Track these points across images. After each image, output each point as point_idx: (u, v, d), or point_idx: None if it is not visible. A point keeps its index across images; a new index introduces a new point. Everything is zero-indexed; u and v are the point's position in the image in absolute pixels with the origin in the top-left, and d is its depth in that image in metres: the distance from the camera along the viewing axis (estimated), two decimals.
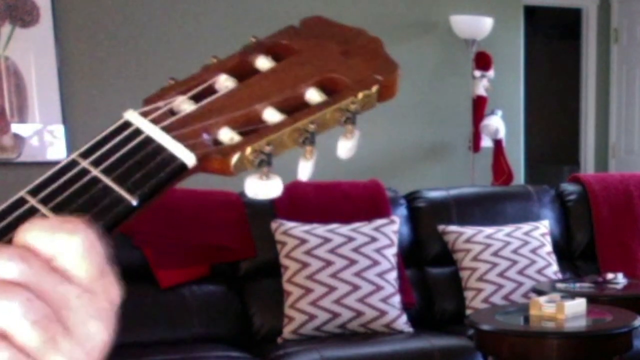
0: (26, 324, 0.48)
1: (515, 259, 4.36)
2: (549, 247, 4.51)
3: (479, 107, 6.15)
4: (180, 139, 0.57)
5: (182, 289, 3.98)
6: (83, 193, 0.54)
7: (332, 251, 4.06)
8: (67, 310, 0.50)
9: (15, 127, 5.03)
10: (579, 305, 3.62)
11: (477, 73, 6.08)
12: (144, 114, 0.58)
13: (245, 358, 3.82)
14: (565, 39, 8.82)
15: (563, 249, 4.74)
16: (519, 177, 6.54)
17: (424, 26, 6.12)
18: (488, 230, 4.44)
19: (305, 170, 0.61)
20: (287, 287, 4.03)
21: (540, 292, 3.98)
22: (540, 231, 4.52)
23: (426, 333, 4.10)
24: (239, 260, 4.17)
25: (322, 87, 0.61)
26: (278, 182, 0.59)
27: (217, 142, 0.58)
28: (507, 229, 4.47)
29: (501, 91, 6.31)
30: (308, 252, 4.04)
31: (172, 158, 0.56)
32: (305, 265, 4.02)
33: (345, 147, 0.61)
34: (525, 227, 4.51)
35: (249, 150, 0.58)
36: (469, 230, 4.43)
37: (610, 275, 4.29)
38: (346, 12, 5.61)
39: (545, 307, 3.58)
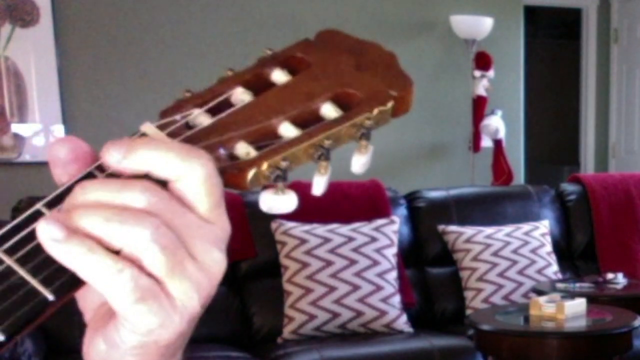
0: (156, 249, 0.50)
1: (515, 259, 4.36)
2: (549, 247, 4.51)
3: (479, 107, 6.15)
4: None
5: None
6: None
7: (332, 251, 4.06)
8: (192, 238, 0.52)
9: (15, 127, 5.03)
10: (579, 305, 3.62)
11: (477, 73, 6.08)
12: (161, 127, 0.58)
13: (245, 358, 3.82)
14: (565, 39, 8.82)
15: (563, 249, 4.74)
16: (519, 177, 6.53)
17: (424, 26, 6.12)
18: (488, 230, 4.44)
19: (319, 186, 0.61)
20: (287, 287, 4.03)
21: (540, 292, 3.98)
22: (540, 231, 4.52)
23: (426, 333, 4.10)
24: (239, 260, 4.17)
25: (337, 102, 0.61)
26: (293, 197, 0.59)
27: (233, 157, 0.58)
28: (507, 229, 4.47)
29: (501, 91, 6.31)
30: (308, 252, 4.04)
31: None
32: (305, 265, 4.02)
33: (359, 162, 0.61)
34: (525, 227, 4.51)
35: (265, 165, 0.58)
36: (469, 230, 4.43)
37: (610, 275, 4.29)
38: (346, 13, 5.61)
39: (545, 307, 3.58)
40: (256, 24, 5.46)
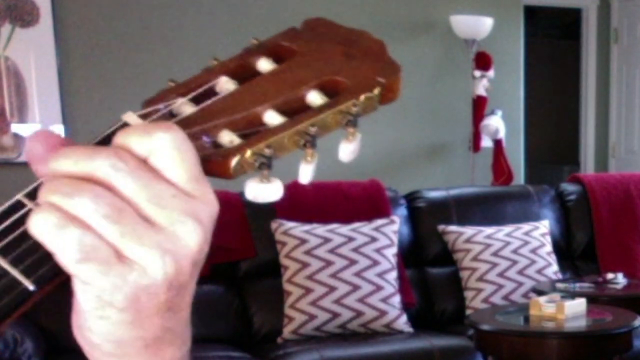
0: (98, 216, 0.51)
1: (515, 259, 4.36)
2: (549, 247, 4.51)
3: (479, 107, 6.15)
4: None
5: None
6: None
7: (332, 251, 4.06)
8: (157, 207, 0.52)
9: (15, 127, 5.03)
10: (579, 305, 3.62)
11: (477, 73, 6.08)
12: (143, 116, 0.57)
13: (245, 358, 3.82)
14: (565, 39, 8.82)
15: (563, 249, 4.74)
16: (519, 177, 6.53)
17: (424, 26, 6.12)
18: (488, 230, 4.44)
19: (306, 174, 0.60)
20: (287, 287, 4.03)
21: (540, 292, 3.98)
22: (540, 231, 4.52)
23: (426, 333, 4.10)
24: (239, 260, 4.17)
25: (324, 89, 0.60)
26: (278, 186, 0.58)
27: (217, 145, 0.58)
28: (507, 229, 4.47)
29: (501, 91, 6.30)
30: (308, 252, 4.04)
31: None
32: (305, 265, 4.02)
33: (347, 150, 0.61)
34: (525, 227, 4.51)
35: (249, 153, 0.57)
36: (469, 230, 4.43)
37: (610, 275, 4.29)
38: (346, 12, 5.61)
39: (545, 307, 3.58)
40: (256, 21, 5.46)
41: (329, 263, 4.04)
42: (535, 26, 8.61)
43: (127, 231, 0.51)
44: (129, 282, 0.52)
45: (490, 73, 6.10)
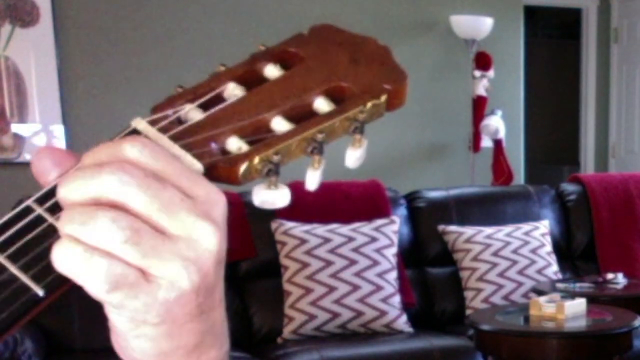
0: (118, 243, 0.50)
1: (515, 259, 4.36)
2: (549, 247, 4.51)
3: (479, 107, 6.15)
4: (187, 148, 0.57)
5: None
6: None
7: (332, 251, 4.06)
8: (170, 215, 0.52)
9: (15, 127, 5.03)
10: (579, 305, 3.62)
11: (477, 73, 6.08)
12: (152, 123, 0.58)
13: (245, 358, 3.82)
14: (565, 39, 8.82)
15: (563, 249, 4.74)
16: (519, 177, 6.53)
17: (424, 26, 6.12)
18: (488, 230, 4.44)
19: (313, 180, 0.60)
20: (287, 287, 4.03)
21: (540, 292, 3.98)
22: (540, 231, 4.52)
23: (426, 333, 4.10)
24: (239, 260, 4.17)
25: (331, 95, 0.61)
26: (286, 192, 0.59)
27: (224, 152, 0.58)
28: (507, 229, 4.47)
29: (501, 91, 6.30)
30: (308, 252, 4.04)
31: None
32: (305, 265, 4.02)
33: (353, 157, 0.61)
34: (525, 227, 4.51)
35: (257, 159, 0.57)
36: (469, 230, 4.43)
37: (610, 275, 4.29)
38: (346, 13, 5.61)
39: (545, 307, 3.58)
40: (256, 24, 5.46)
41: (329, 263, 4.04)
42: (535, 26, 8.62)
43: (147, 250, 0.51)
44: (159, 299, 0.52)
45: (490, 73, 6.10)
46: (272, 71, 0.62)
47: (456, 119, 6.24)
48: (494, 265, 4.33)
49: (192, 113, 0.59)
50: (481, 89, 6.10)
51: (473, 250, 4.36)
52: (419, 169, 6.17)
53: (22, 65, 5.00)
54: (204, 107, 0.60)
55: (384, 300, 4.07)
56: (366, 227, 4.18)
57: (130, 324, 0.53)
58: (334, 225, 4.15)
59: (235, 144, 0.58)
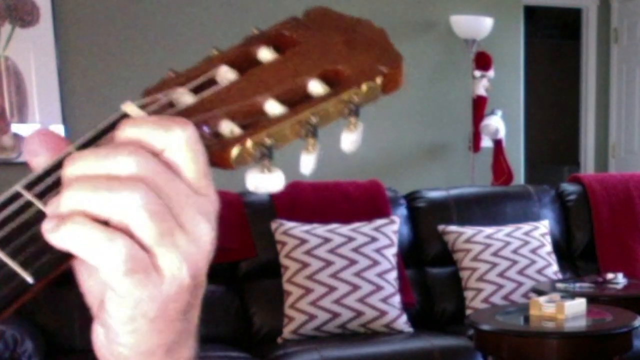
0: (145, 215, 0.49)
1: (515, 259, 4.36)
2: (549, 247, 4.51)
3: (479, 107, 6.15)
4: None
5: None
6: None
7: (332, 251, 4.06)
8: (181, 207, 0.51)
9: (15, 127, 5.03)
10: (579, 305, 3.61)
11: (477, 73, 6.08)
12: (143, 106, 0.57)
13: (245, 358, 3.82)
14: (565, 39, 8.82)
15: (563, 249, 4.74)
16: (519, 177, 6.53)
17: (424, 26, 6.12)
18: (488, 230, 4.44)
19: (307, 164, 0.60)
20: (287, 287, 4.03)
21: (540, 292, 3.98)
22: (540, 231, 4.52)
23: (426, 333, 4.10)
24: (239, 260, 4.17)
25: (325, 78, 0.60)
26: (280, 176, 0.58)
27: (217, 135, 0.57)
28: (507, 229, 4.47)
29: (501, 91, 6.30)
30: (308, 252, 4.04)
31: None
32: (305, 265, 4.02)
33: (348, 140, 0.60)
34: (525, 227, 4.51)
35: (249, 143, 0.57)
36: (469, 230, 4.43)
37: (610, 275, 4.29)
38: (346, 12, 5.61)
39: (545, 307, 3.58)
40: (257, 14, 5.44)
41: (329, 263, 4.04)
42: (535, 26, 8.61)
43: (164, 235, 0.50)
44: (163, 292, 0.51)
45: (490, 73, 6.10)
46: (266, 54, 0.61)
47: (456, 119, 6.24)
48: (494, 265, 4.32)
49: (184, 97, 0.58)
50: (481, 89, 6.10)
51: (473, 250, 4.36)
52: (419, 169, 6.17)
53: (22, 65, 5.00)
54: (196, 90, 0.59)
55: (384, 300, 4.06)
56: (366, 227, 4.18)
57: (129, 316, 0.52)
58: (334, 225, 4.15)
59: (227, 128, 0.57)
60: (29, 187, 0.53)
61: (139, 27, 5.34)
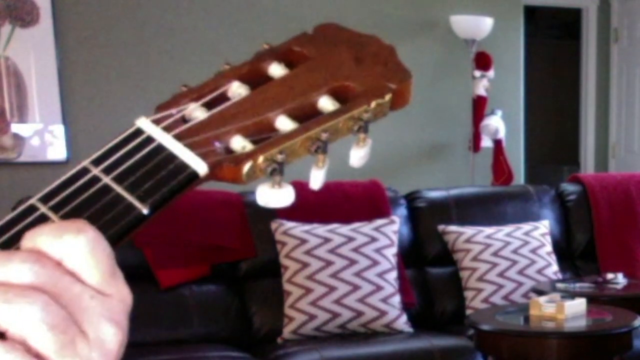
0: (44, 328, 0.47)
1: (515, 259, 4.36)
2: (549, 247, 4.51)
3: (479, 107, 6.15)
4: (192, 147, 0.57)
5: (182, 289, 3.98)
6: (94, 201, 0.54)
7: (332, 251, 4.06)
8: (82, 313, 0.49)
9: (15, 127, 5.03)
10: (579, 305, 3.62)
11: (477, 73, 6.08)
12: (156, 122, 0.58)
13: (245, 358, 3.82)
14: (565, 39, 8.82)
15: (563, 249, 4.74)
16: (519, 177, 6.53)
17: (424, 26, 6.12)
18: (488, 230, 4.44)
19: (317, 179, 0.60)
20: (287, 287, 4.03)
21: (540, 292, 3.98)
22: (540, 231, 4.52)
23: (426, 333, 4.10)
24: (239, 260, 4.17)
25: (335, 95, 0.61)
26: (290, 191, 0.58)
27: (229, 151, 0.58)
28: (507, 229, 4.47)
29: (501, 91, 6.30)
30: (308, 252, 4.04)
31: (184, 167, 0.56)
32: (305, 265, 4.02)
33: (357, 156, 0.61)
34: (525, 227, 4.51)
35: (261, 159, 0.57)
36: (469, 230, 4.43)
37: (610, 275, 4.29)
38: (347, 12, 5.61)
39: (545, 307, 3.58)
40: (255, 23, 5.46)
41: (329, 263, 4.04)
42: (535, 26, 8.61)
43: (66, 344, 0.48)
44: None
45: (490, 73, 6.10)
46: (276, 70, 0.62)
47: (456, 119, 6.24)
48: (494, 265, 4.33)
49: (196, 112, 0.59)
50: (481, 89, 6.09)
51: (473, 250, 4.36)
52: (419, 169, 6.17)
53: (22, 65, 5.00)
54: (208, 106, 0.60)
55: (384, 300, 4.07)
56: (366, 227, 4.18)
57: None
58: (334, 225, 4.15)
59: (239, 143, 0.58)
60: (44, 200, 0.54)
61: (139, 27, 5.34)
